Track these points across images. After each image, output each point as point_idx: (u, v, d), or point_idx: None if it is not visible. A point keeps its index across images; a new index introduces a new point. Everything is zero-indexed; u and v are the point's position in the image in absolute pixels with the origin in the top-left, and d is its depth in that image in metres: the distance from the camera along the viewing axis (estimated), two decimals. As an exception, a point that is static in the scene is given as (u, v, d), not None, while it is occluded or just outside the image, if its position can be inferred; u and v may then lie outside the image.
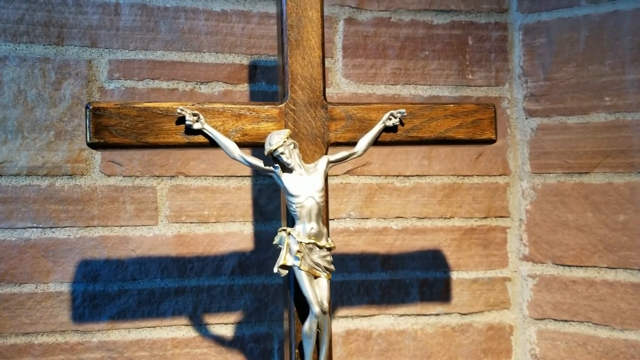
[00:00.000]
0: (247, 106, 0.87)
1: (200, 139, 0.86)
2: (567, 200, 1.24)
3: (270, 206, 1.18)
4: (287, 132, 0.86)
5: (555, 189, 1.24)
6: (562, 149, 1.24)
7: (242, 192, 1.17)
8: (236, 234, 1.16)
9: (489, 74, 1.30)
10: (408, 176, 1.24)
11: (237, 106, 0.87)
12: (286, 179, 0.86)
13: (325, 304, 0.85)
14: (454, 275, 1.26)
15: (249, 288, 1.17)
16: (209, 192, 1.16)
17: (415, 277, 1.24)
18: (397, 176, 1.24)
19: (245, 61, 1.22)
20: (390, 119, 0.92)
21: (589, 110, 1.22)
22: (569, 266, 1.23)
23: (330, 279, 0.88)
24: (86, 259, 1.11)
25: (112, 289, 1.12)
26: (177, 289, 1.15)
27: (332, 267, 0.89)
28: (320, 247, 0.86)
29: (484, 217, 1.27)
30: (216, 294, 1.16)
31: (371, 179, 1.24)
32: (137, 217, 1.14)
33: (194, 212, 1.15)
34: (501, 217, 1.28)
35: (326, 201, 0.89)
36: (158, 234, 1.13)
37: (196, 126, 0.86)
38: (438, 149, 1.29)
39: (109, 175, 1.13)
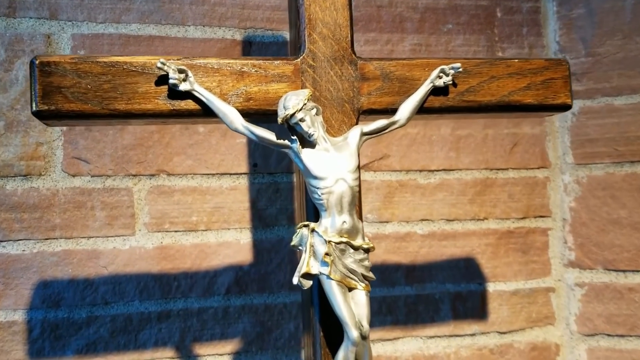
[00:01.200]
0: (252, 61, 0.64)
1: (189, 104, 0.63)
2: (618, 194, 1.11)
3: (271, 209, 1.02)
4: (307, 92, 0.63)
5: (603, 181, 1.11)
6: (609, 134, 1.11)
7: (237, 193, 1.00)
8: (231, 243, 0.99)
9: (521, 51, 1.12)
10: (433, 171, 1.09)
11: (237, 61, 0.63)
12: (307, 155, 0.63)
13: (366, 326, 0.62)
14: (491, 287, 1.12)
15: (248, 310, 0.99)
16: (197, 193, 0.99)
17: (445, 291, 1.10)
18: (421, 171, 1.09)
19: (238, 36, 1.01)
20: (440, 77, 0.70)
21: (639, 88, 1.07)
22: (624, 271, 1.10)
23: (369, 292, 0.65)
24: (46, 280, 0.94)
25: (79, 316, 0.95)
26: (160, 313, 0.98)
27: (371, 274, 0.65)
28: (356, 248, 0.63)
29: (522, 218, 1.12)
30: (208, 318, 0.99)
31: (390, 175, 1.05)
32: (109, 225, 0.96)
33: (180, 219, 0.98)
34: (541, 217, 1.13)
35: (360, 186, 0.66)
36: (135, 246, 0.96)
37: (183, 87, 0.63)
38: (467, 139, 1.08)
39: (73, 175, 0.96)
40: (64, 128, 0.97)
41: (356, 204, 0.66)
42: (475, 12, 1.14)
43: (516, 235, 1.11)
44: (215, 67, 0.64)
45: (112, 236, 0.96)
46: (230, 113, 0.64)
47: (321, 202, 0.64)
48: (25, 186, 0.93)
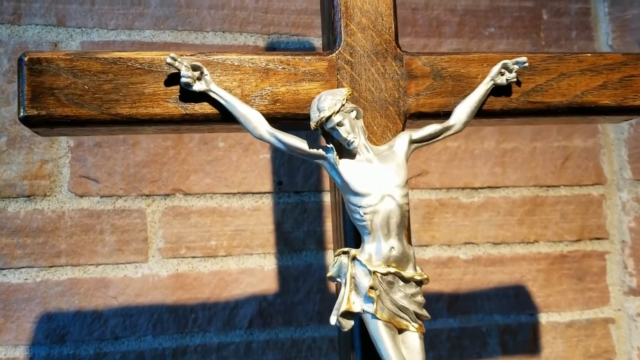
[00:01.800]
0: (279, 57, 0.54)
1: (205, 108, 0.53)
2: (684, 214, 1.02)
3: (298, 232, 0.93)
4: (345, 90, 0.52)
5: (667, 199, 1.02)
6: (672, 147, 1.01)
7: (260, 214, 0.92)
8: (254, 271, 0.90)
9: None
10: (477, 189, 1.00)
11: (262, 57, 0.53)
12: (346, 167, 0.53)
13: (420, 376, 0.50)
14: (543, 318, 1.01)
15: (273, 345, 0.91)
16: (216, 215, 0.91)
17: (493, 323, 0.99)
18: (463, 189, 1.00)
19: (261, 42, 0.92)
20: (502, 74, 0.59)
21: None
22: (693, 300, 1.00)
23: (423, 333, 0.53)
24: (50, 312, 0.85)
25: (86, 353, 0.86)
26: (175, 350, 0.88)
27: (425, 312, 0.54)
28: (406, 281, 0.52)
29: (576, 240, 1.03)
30: (229, 355, 0.90)
31: (429, 194, 0.96)
32: (119, 251, 0.87)
33: (197, 243, 0.89)
34: (598, 239, 1.04)
35: (409, 204, 0.54)
36: (148, 274, 0.88)
37: (198, 87, 0.53)
38: (513, 152, 0.98)
39: (81, 196, 0.88)
40: (71, 143, 0.88)
41: (406, 226, 0.55)
42: (519, 14, 1.04)
43: (570, 259, 1.02)
44: (236, 63, 0.54)
45: (122, 263, 0.87)
46: (253, 117, 0.53)
47: (364, 223, 0.53)
48: (29, 208, 0.86)
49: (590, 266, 1.03)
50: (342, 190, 0.54)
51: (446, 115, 0.58)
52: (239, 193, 0.91)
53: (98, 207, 0.87)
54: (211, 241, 0.90)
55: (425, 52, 0.59)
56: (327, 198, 0.95)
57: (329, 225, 0.93)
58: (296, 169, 0.93)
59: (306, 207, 0.93)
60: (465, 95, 0.58)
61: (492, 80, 0.59)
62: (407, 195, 0.55)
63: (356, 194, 0.53)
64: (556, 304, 1.01)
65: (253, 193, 0.91)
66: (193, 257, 0.89)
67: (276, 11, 0.95)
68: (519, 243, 1.00)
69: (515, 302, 0.99)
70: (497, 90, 0.60)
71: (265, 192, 0.92)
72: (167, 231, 0.89)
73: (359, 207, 0.53)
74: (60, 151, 0.88)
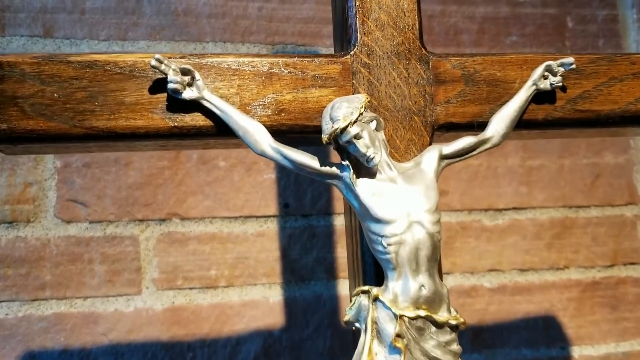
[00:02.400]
0: (284, 59, 0.45)
1: (197, 119, 0.44)
2: None
3: (306, 260, 0.85)
4: (363, 97, 0.44)
5: None
6: None
7: (265, 240, 0.85)
8: (258, 303, 0.83)
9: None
10: (501, 210, 0.93)
11: (264, 59, 0.45)
12: (365, 188, 0.44)
13: None
14: (575, 351, 0.94)
15: None
16: (216, 241, 0.84)
17: (521, 358, 0.92)
18: (486, 210, 0.93)
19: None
20: (545, 77, 0.50)
21: None
22: None
23: (460, 390, 0.44)
24: (33, 350, 0.78)
25: None
26: None
27: (461, 364, 0.44)
28: (439, 326, 0.43)
29: (610, 266, 0.96)
30: None
31: (449, 216, 0.90)
32: (110, 283, 0.80)
33: (196, 273, 0.82)
34: (632, 263, 0.97)
35: (441, 232, 0.46)
36: (142, 308, 0.81)
37: (188, 94, 0.44)
38: (540, 170, 0.92)
39: (68, 222, 0.81)
40: (58, 164, 0.81)
41: (438, 259, 0.46)
42: (542, 21, 0.97)
43: (603, 286, 0.95)
44: (234, 67, 0.45)
45: (113, 296, 0.80)
46: (254, 130, 0.44)
47: (388, 256, 0.44)
48: (10, 235, 0.79)
49: (625, 294, 0.95)
50: (360, 216, 0.45)
51: (480, 126, 0.49)
52: (241, 217, 0.84)
53: (87, 233, 0.81)
54: (211, 270, 0.82)
55: (455, 53, 0.51)
56: (337, 221, 0.87)
57: (340, 252, 0.86)
58: (304, 190, 0.86)
59: (315, 231, 0.85)
60: (503, 103, 0.50)
61: (534, 85, 0.51)
62: (438, 221, 0.46)
63: (378, 220, 0.44)
64: (589, 336, 0.93)
65: (257, 217, 0.85)
66: (191, 289, 0.82)
67: (281, 20, 0.88)
68: (547, 269, 0.94)
69: (545, 334, 0.92)
70: (539, 97, 0.51)
71: (270, 216, 0.85)
72: (162, 260, 0.82)
73: (382, 236, 0.44)
74: (45, 173, 0.80)
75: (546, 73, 0.51)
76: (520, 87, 0.51)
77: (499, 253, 0.92)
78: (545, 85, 0.51)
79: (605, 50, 0.99)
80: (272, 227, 0.85)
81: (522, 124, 0.50)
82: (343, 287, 0.85)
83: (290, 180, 0.86)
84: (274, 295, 0.84)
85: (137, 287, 0.80)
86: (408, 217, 0.44)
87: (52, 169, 0.80)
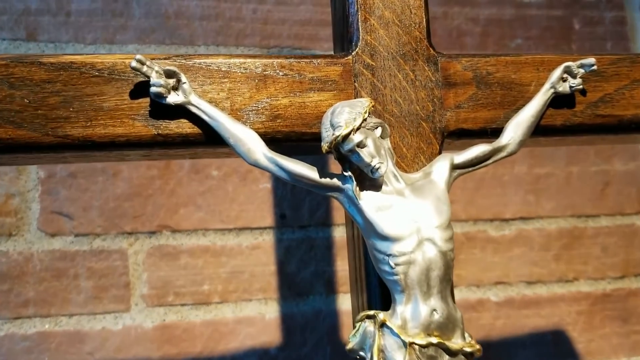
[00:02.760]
0: (279, 61, 0.41)
1: (183, 126, 0.40)
2: None
3: (304, 274, 0.82)
4: (367, 101, 0.39)
5: None
6: None
7: (260, 253, 0.81)
8: (254, 320, 0.79)
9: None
10: (508, 220, 0.90)
11: (258, 61, 0.40)
12: (370, 202, 0.40)
13: None
14: None
15: None
16: (209, 255, 0.80)
17: None
18: (492, 220, 0.89)
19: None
20: (563, 80, 0.46)
21: None
22: None
23: None
24: None
25: None
26: None
27: (477, 398, 0.40)
28: (453, 354, 0.39)
29: (620, 277, 0.92)
30: None
31: (454, 227, 0.81)
32: (97, 299, 0.76)
33: (187, 288, 0.78)
34: None
35: (454, 250, 0.41)
36: (131, 326, 0.77)
37: (173, 99, 0.40)
38: (547, 178, 0.91)
39: (52, 235, 0.77)
40: (41, 175, 0.77)
41: (451, 281, 0.41)
42: (548, 24, 0.94)
43: (614, 299, 0.91)
44: (224, 69, 0.41)
45: (100, 313, 0.76)
46: (246, 138, 0.40)
47: (395, 278, 0.39)
48: None
49: (636, 306, 0.92)
50: (364, 233, 0.41)
51: (494, 133, 0.45)
52: (235, 229, 0.81)
53: (72, 247, 0.77)
54: (203, 286, 0.79)
55: (466, 53, 0.46)
56: (337, 233, 0.84)
57: (340, 265, 0.82)
58: (301, 200, 0.82)
59: (313, 243, 0.82)
60: (518, 108, 0.45)
61: (552, 87, 0.46)
62: (451, 238, 0.41)
63: (384, 238, 0.39)
64: (600, 351, 0.90)
65: (252, 228, 0.81)
66: (182, 305, 0.78)
67: (276, 22, 0.84)
68: (556, 282, 0.90)
69: (554, 349, 0.89)
70: (557, 101, 0.47)
71: (265, 227, 0.82)
72: (153, 275, 0.78)
73: (389, 255, 0.39)
74: (28, 183, 0.76)
75: (565, 75, 0.47)
76: (536, 90, 0.46)
77: (505, 265, 0.88)
78: (564, 88, 0.47)
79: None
80: (268, 239, 0.81)
81: (539, 130, 0.46)
82: (343, 302, 0.81)
83: (287, 189, 0.82)
84: (270, 311, 0.80)
85: (126, 304, 0.76)
86: (418, 234, 0.40)
87: (36, 180, 0.76)
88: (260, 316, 0.79)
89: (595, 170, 0.92)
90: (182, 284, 0.78)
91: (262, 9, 0.84)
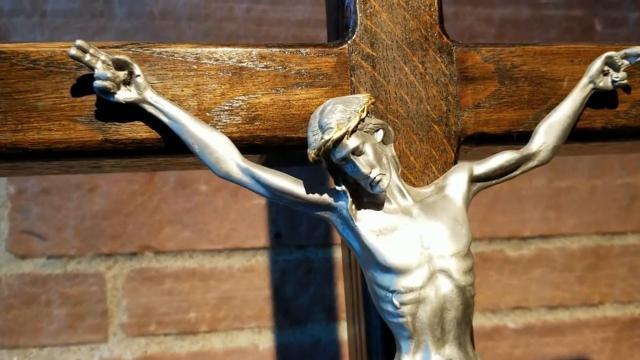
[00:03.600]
0: (259, 50, 0.33)
1: (138, 130, 0.32)
2: None
3: (302, 299, 0.76)
4: (365, 97, 0.31)
5: None
6: None
7: (253, 276, 0.76)
8: (246, 351, 0.74)
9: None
10: (526, 238, 0.84)
11: (233, 50, 0.33)
12: (368, 223, 0.32)
13: None
14: None
15: None
16: (197, 278, 0.75)
17: None
18: (509, 239, 0.84)
19: None
20: (604, 73, 0.38)
21: None
22: None
23: None
24: None
25: None
26: None
27: None
28: None
29: None
30: None
31: None
32: (71, 329, 0.71)
33: (172, 316, 0.73)
34: None
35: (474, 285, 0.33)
36: (109, 358, 0.72)
37: (124, 95, 0.32)
38: (569, 192, 0.87)
39: (22, 257, 0.72)
40: (11, 190, 0.75)
41: (470, 323, 0.33)
42: (568, 24, 0.89)
43: None
44: (190, 59, 0.33)
45: (75, 344, 0.71)
46: (215, 145, 0.32)
47: (401, 320, 0.31)
48: None
49: None
50: (361, 262, 0.32)
51: (521, 137, 0.37)
52: (225, 249, 0.75)
53: (44, 271, 0.72)
54: (190, 313, 0.73)
55: (487, 42, 0.38)
56: (338, 254, 0.79)
57: (341, 289, 0.79)
58: (298, 218, 0.77)
59: (312, 265, 0.76)
60: (550, 107, 0.38)
61: (591, 82, 0.38)
62: (471, 270, 0.33)
63: (387, 269, 0.31)
64: None
65: (244, 249, 0.76)
66: (166, 335, 0.72)
67: (272, 23, 0.79)
68: (580, 306, 0.85)
69: None
70: (596, 99, 0.39)
71: (259, 248, 0.76)
72: (133, 301, 0.73)
73: (393, 292, 0.31)
74: (-4, 200, 0.70)
75: (606, 68, 0.39)
76: (571, 86, 0.38)
77: (524, 288, 0.83)
78: (605, 83, 0.39)
79: (638, 57, 0.89)
80: (261, 261, 0.76)
81: (574, 134, 0.38)
82: (345, 330, 0.75)
83: (282, 205, 0.75)
84: (265, 341, 0.75)
85: (103, 334, 0.71)
86: (429, 265, 0.32)
87: (4, 196, 0.72)
88: (254, 347, 0.74)
89: (620, 183, 0.87)
90: (166, 311, 0.73)
91: (257, 8, 0.78)
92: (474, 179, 0.35)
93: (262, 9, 0.79)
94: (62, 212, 0.71)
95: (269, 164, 0.33)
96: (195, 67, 0.33)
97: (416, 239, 0.32)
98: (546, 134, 0.37)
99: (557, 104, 0.38)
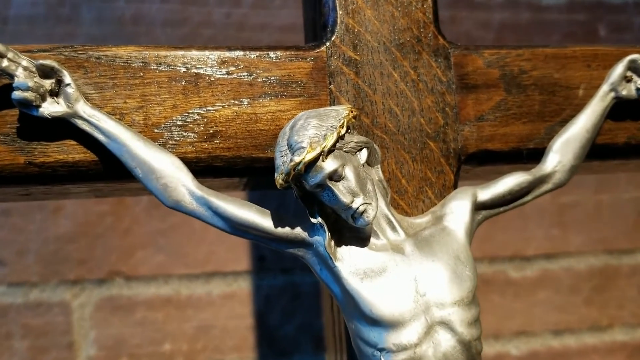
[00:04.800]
0: (219, 53, 0.27)
1: (70, 150, 0.27)
2: None
3: (288, 328, 0.72)
4: (345, 111, 0.25)
5: None
6: None
7: (235, 303, 0.71)
8: None
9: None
10: (529, 258, 0.80)
11: (188, 54, 0.27)
12: (351, 263, 0.26)
13: None
14: None
15: None
16: (172, 307, 0.70)
17: None
18: (511, 259, 0.80)
19: None
20: (627, 80, 0.33)
21: None
22: None
23: None
24: None
25: None
26: None
27: None
28: None
29: None
30: None
31: None
32: None
33: (145, 349, 0.69)
34: None
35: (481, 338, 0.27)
36: None
37: (51, 109, 0.26)
38: (574, 208, 0.83)
39: None
40: None
41: None
42: (570, 29, 0.86)
43: None
44: (135, 65, 0.27)
45: None
46: (163, 168, 0.26)
47: None
48: None
49: None
50: (343, 310, 0.27)
51: (532, 155, 0.32)
52: (204, 274, 0.71)
53: (4, 300, 0.67)
54: (165, 345, 0.69)
55: (490, 45, 0.33)
56: None
57: None
58: None
59: (299, 291, 0.72)
60: (565, 120, 0.33)
61: (612, 90, 0.33)
62: (477, 320, 0.27)
63: (373, 322, 0.26)
64: None
65: (224, 273, 0.72)
66: None
67: (254, 28, 0.74)
68: (587, 330, 0.82)
69: None
70: (618, 110, 0.33)
71: (241, 272, 0.72)
72: (102, 332, 0.68)
73: (381, 350, 0.26)
74: (-51, 221, 0.67)
75: (629, 73, 0.34)
76: (588, 95, 0.33)
77: (528, 312, 0.79)
78: (628, 91, 0.33)
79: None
80: (244, 286, 0.72)
81: (594, 151, 0.33)
82: None
83: None
84: None
85: None
86: (426, 315, 0.26)
87: None
88: (235, 381, 0.67)
89: (628, 198, 0.83)
90: (139, 343, 0.68)
91: (237, 12, 0.74)
92: (478, 207, 0.30)
93: (243, 13, 0.74)
94: (24, 235, 0.67)
95: (231, 191, 0.27)
96: (141, 74, 0.28)
97: (410, 284, 0.26)
98: (562, 152, 0.32)
99: (572, 116, 0.33)
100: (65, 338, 0.67)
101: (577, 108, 0.33)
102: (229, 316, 0.70)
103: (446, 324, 0.26)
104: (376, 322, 0.26)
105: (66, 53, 0.27)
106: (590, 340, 0.80)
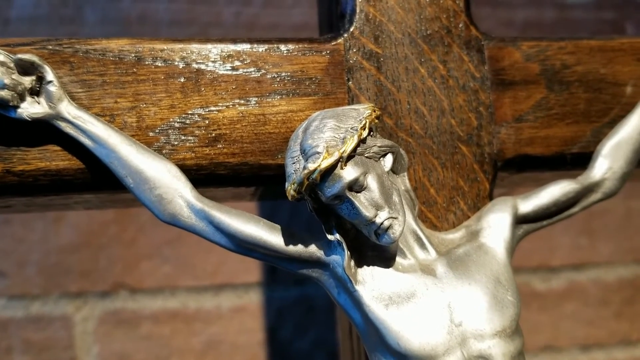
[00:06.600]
0: (223, 47, 0.24)
1: (54, 157, 0.24)
2: None
3: (301, 343, 0.70)
4: (367, 111, 0.22)
5: None
6: None
7: (245, 316, 0.70)
8: None
9: None
10: (555, 269, 0.79)
11: (188, 47, 0.24)
12: (375, 287, 0.23)
13: None
14: None
15: None
16: (180, 321, 0.68)
17: None
18: (536, 270, 0.78)
19: None
20: None
21: None
22: None
23: None
24: None
25: None
26: None
27: None
28: None
29: None
30: None
31: None
32: None
33: None
34: None
35: None
36: None
37: (31, 110, 0.24)
38: (603, 216, 0.81)
39: None
40: None
41: None
42: (596, 27, 0.83)
43: None
44: (128, 60, 0.24)
45: None
46: (160, 177, 0.23)
47: None
48: None
49: None
50: (364, 340, 0.23)
51: (578, 161, 0.28)
52: (213, 286, 0.69)
53: (4, 313, 0.66)
54: None
55: (529, 36, 0.30)
56: None
57: None
58: None
59: (313, 304, 0.70)
60: (615, 120, 0.30)
61: None
62: (522, 353, 0.24)
63: (400, 356, 0.22)
64: None
65: (234, 285, 0.70)
66: None
67: (265, 27, 0.73)
68: (616, 345, 0.80)
69: None
70: None
71: (252, 284, 0.70)
72: (106, 347, 0.67)
73: None
74: (-51, 232, 0.66)
75: None
76: (637, 92, 0.30)
77: (554, 325, 0.77)
78: None
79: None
80: (254, 299, 0.70)
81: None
82: None
83: None
84: None
85: None
86: (463, 349, 0.23)
87: None
88: (245, 400, 0.66)
89: None
90: (144, 358, 0.66)
91: (248, 12, 0.72)
92: (519, 220, 0.26)
93: (254, 12, 0.73)
94: (25, 245, 0.66)
95: (236, 203, 0.24)
96: (134, 70, 0.24)
97: (443, 311, 0.23)
98: (612, 157, 0.28)
99: (622, 116, 0.29)
100: (68, 353, 0.65)
101: (626, 107, 0.30)
102: (239, 331, 0.69)
103: (486, 359, 0.23)
104: (404, 357, 0.22)
105: (50, 47, 0.24)
106: (620, 356, 0.79)
